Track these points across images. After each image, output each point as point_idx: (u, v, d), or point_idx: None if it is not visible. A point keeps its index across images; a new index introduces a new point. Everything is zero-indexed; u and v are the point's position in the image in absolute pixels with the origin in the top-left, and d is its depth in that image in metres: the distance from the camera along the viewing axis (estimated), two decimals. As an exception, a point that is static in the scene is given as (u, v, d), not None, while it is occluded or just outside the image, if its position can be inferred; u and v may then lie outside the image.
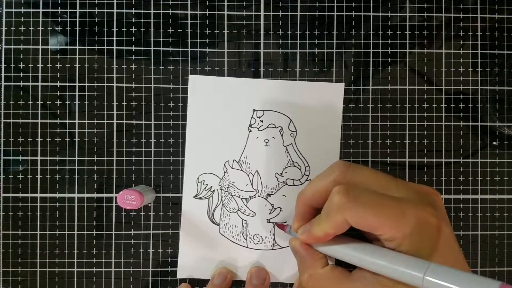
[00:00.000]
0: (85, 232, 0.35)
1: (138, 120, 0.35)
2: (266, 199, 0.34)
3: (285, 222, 0.34)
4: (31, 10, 0.35)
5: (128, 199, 0.31)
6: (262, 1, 0.35)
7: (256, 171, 0.35)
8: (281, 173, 0.35)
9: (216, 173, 0.35)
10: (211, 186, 0.35)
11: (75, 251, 0.35)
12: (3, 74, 0.35)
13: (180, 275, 0.34)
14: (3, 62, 0.35)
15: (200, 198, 0.34)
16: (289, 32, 0.35)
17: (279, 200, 0.35)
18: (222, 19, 0.35)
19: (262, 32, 0.35)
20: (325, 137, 0.35)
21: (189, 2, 0.35)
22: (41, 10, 0.35)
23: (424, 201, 0.23)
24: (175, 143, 0.35)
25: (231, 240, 0.34)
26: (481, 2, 0.35)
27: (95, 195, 0.35)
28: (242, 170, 0.34)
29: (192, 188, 0.35)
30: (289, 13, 0.35)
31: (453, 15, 0.35)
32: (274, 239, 0.34)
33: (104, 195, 0.35)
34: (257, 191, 0.35)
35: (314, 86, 0.35)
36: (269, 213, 0.35)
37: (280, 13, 0.35)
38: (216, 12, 0.35)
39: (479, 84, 0.35)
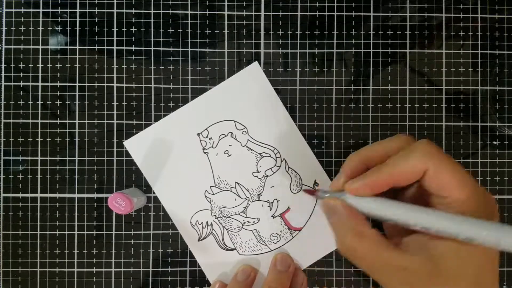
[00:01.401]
0: (85, 232, 0.35)
1: (138, 120, 0.35)
2: (259, 200, 0.35)
3: (288, 208, 0.35)
4: (31, 10, 0.35)
5: (119, 203, 0.31)
6: (262, 1, 0.35)
7: (235, 182, 0.35)
8: (257, 170, 0.35)
9: (203, 207, 0.34)
10: (207, 221, 0.34)
11: (75, 251, 0.35)
12: (3, 74, 0.35)
13: None
14: (3, 62, 0.35)
15: (205, 238, 0.35)
16: (289, 32, 0.35)
17: (271, 194, 0.35)
18: (222, 19, 0.35)
19: (262, 32, 0.35)
20: (273, 116, 0.35)
21: (189, 2, 0.35)
22: (41, 10, 0.35)
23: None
24: (175, 143, 0.35)
25: (254, 254, 0.35)
26: (481, 2, 0.35)
27: (95, 195, 0.35)
28: (223, 190, 0.34)
29: (192, 234, 0.34)
30: (289, 13, 0.35)
31: (453, 15, 0.35)
32: (288, 228, 0.35)
33: (104, 195, 0.35)
34: (247, 198, 0.35)
35: (234, 80, 0.35)
36: (270, 210, 0.35)
37: (280, 13, 0.35)
38: (216, 12, 0.35)
39: (479, 84, 0.35)
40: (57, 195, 0.35)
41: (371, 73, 0.35)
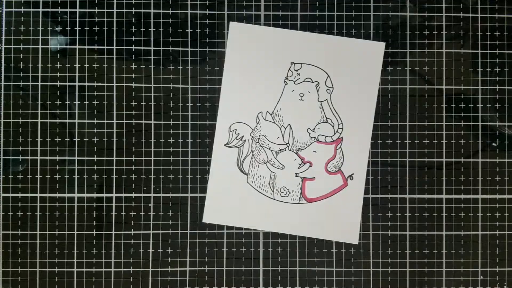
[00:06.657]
0: (85, 232, 0.35)
1: (138, 120, 0.35)
2: (296, 153, 0.35)
3: (313, 177, 0.35)
4: (31, 10, 0.35)
5: None
6: (262, 1, 0.35)
7: (289, 124, 0.35)
8: (314, 129, 0.35)
9: (248, 123, 0.35)
10: (243, 136, 0.35)
11: (75, 251, 0.35)
12: (3, 74, 0.35)
13: (205, 220, 0.34)
14: (3, 62, 0.35)
15: (230, 147, 0.35)
16: (289, 32, 0.35)
17: (309, 155, 0.35)
18: (222, 19, 0.35)
19: (262, 32, 0.35)
20: (360, 96, 0.35)
21: (189, 2, 0.35)
22: (41, 10, 0.35)
23: None
24: (175, 143, 0.35)
25: (258, 191, 0.35)
26: (481, 2, 0.35)
27: (95, 195, 0.35)
28: (274, 123, 0.35)
29: (224, 136, 0.35)
30: (289, 13, 0.35)
31: (453, 15, 0.35)
32: (301, 193, 0.35)
33: (104, 195, 0.35)
34: (288, 144, 0.35)
35: (354, 43, 0.35)
36: (298, 167, 0.35)
37: (280, 13, 0.35)
38: (216, 12, 0.35)
39: (479, 84, 0.35)
40: (57, 195, 0.35)
41: (371, 73, 0.35)
